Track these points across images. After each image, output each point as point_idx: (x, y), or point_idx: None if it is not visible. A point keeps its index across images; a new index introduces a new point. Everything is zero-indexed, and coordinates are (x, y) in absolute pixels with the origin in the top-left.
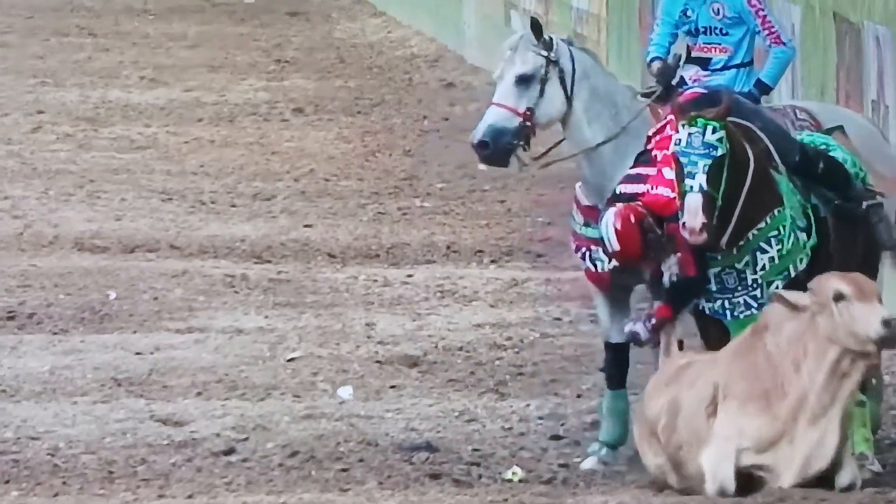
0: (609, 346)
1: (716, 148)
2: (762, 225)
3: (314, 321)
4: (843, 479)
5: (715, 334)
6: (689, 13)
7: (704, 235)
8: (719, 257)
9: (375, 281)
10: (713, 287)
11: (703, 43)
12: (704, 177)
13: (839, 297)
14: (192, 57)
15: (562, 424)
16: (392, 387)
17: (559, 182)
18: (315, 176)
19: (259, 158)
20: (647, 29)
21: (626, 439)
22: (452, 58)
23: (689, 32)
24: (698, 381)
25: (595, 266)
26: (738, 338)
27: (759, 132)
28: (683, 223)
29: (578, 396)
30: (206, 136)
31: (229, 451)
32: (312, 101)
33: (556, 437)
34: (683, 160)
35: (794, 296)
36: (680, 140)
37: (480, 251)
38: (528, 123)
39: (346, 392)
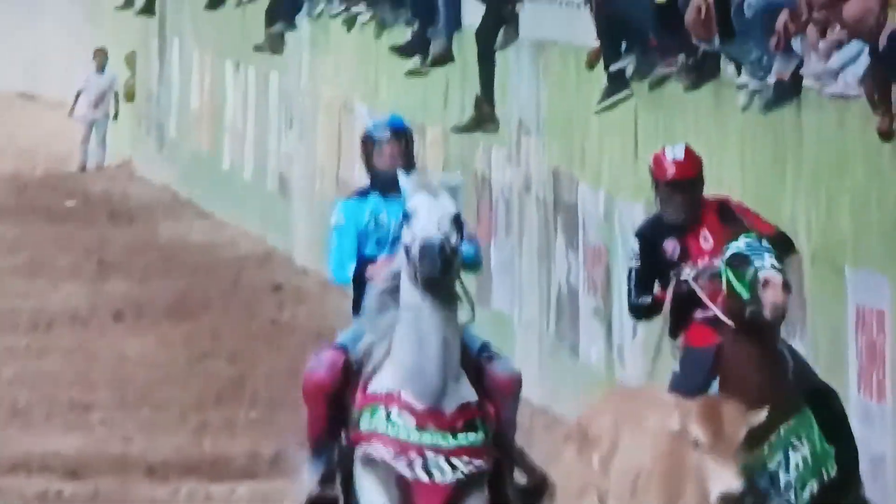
0: None
1: (772, 250)
2: (792, 421)
3: None
4: None
5: None
6: (382, 218)
7: (786, 302)
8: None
9: (197, 496)
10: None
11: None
12: (773, 259)
13: (695, 443)
14: (9, 261)
15: None
16: None
17: None
18: (135, 384)
19: (77, 367)
20: None
21: None
22: (281, 259)
23: (380, 241)
24: (637, 434)
25: (431, 476)
26: (669, 419)
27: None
28: (767, 293)
29: None
30: (23, 344)
31: None
32: (134, 306)
33: None
34: (748, 253)
35: (664, 417)
36: (739, 246)
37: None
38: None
39: None
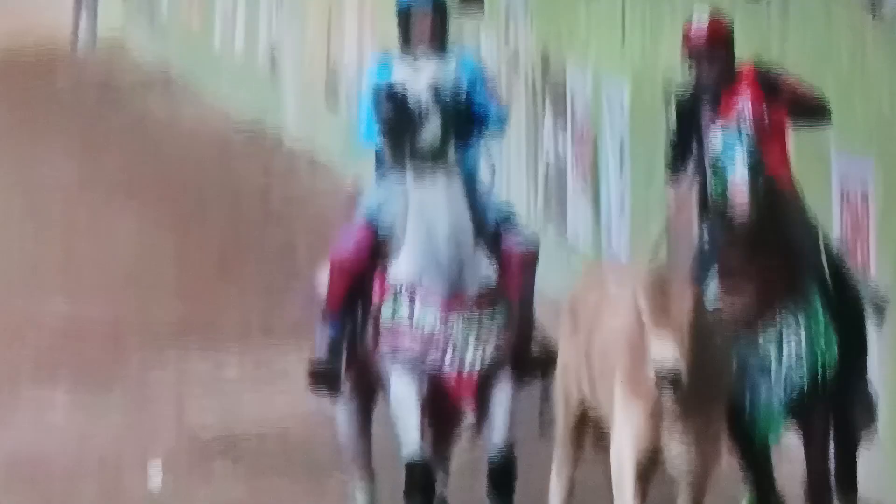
0: (417, 468)
1: (748, 141)
2: (792, 310)
3: (122, 401)
4: None
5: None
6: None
7: (748, 208)
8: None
9: (188, 364)
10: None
11: None
12: (744, 154)
13: (642, 316)
14: None
15: None
16: (203, 470)
17: None
18: (125, 259)
19: (67, 241)
20: None
21: None
22: (271, 139)
23: None
24: (613, 308)
25: (462, 368)
26: (636, 293)
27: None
28: (734, 197)
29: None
30: (11, 217)
31: None
32: (123, 185)
33: None
34: (723, 157)
35: (621, 287)
36: (716, 148)
37: (298, 333)
38: None
39: (154, 474)
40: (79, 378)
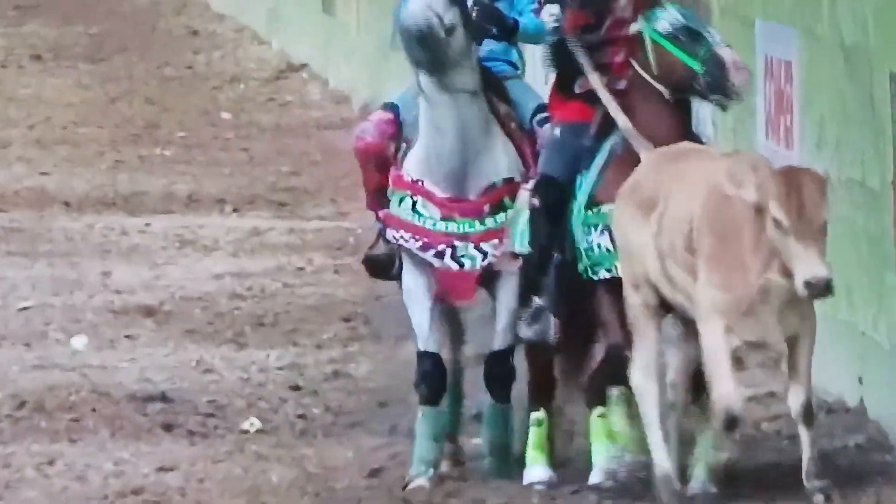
0: (427, 357)
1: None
2: None
3: (48, 270)
4: None
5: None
6: None
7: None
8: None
9: (112, 230)
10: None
11: None
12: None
13: (777, 224)
14: None
15: (301, 375)
16: (127, 336)
17: (304, 131)
18: (52, 124)
19: None
20: None
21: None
22: (198, 4)
23: None
24: (685, 188)
25: (462, 265)
26: (713, 165)
27: None
28: (737, 77)
29: (318, 347)
30: None
31: None
32: (52, 48)
33: (296, 388)
34: (697, 28)
35: (737, 184)
36: (677, 18)
37: (222, 200)
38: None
39: (79, 342)
40: (3, 245)
